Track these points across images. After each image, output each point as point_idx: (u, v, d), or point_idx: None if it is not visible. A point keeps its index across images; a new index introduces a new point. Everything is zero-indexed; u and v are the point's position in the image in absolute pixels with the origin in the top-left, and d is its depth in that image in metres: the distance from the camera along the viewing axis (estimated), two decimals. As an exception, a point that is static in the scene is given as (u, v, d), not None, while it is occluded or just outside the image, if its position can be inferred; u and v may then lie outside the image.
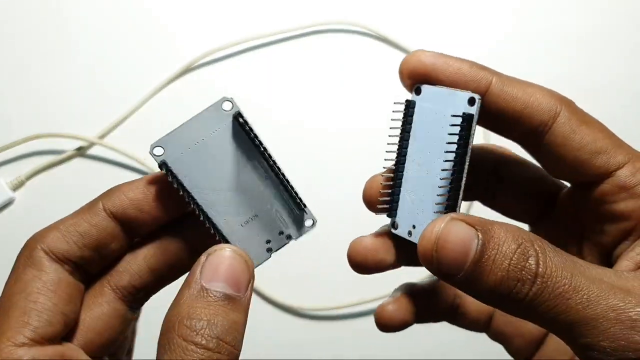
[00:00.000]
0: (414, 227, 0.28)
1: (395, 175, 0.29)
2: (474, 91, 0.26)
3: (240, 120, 0.26)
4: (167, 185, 0.27)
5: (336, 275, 0.54)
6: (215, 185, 0.27)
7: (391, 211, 0.29)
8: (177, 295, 0.25)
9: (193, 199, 0.27)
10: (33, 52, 0.56)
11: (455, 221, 0.24)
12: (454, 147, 0.26)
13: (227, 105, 0.26)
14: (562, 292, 0.22)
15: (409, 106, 0.28)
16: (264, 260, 0.28)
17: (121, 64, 0.56)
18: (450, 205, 0.26)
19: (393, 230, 0.29)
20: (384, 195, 0.29)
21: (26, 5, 0.56)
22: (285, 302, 0.54)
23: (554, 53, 0.57)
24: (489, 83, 0.27)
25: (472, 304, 0.34)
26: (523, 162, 0.31)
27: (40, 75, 0.56)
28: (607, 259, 0.28)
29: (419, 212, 0.28)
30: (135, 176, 0.55)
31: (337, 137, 0.56)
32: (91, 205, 0.27)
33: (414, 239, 0.28)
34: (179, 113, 0.55)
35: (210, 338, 0.23)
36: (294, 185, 0.28)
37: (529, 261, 0.23)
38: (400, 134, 0.28)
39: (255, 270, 0.27)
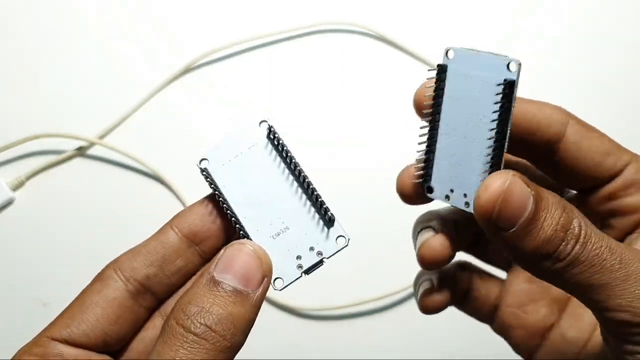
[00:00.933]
0: (451, 190, 0.29)
1: (429, 142, 0.29)
2: None
3: (272, 135, 0.28)
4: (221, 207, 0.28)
5: (336, 275, 0.54)
6: (251, 197, 0.28)
7: (425, 177, 0.30)
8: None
9: (229, 206, 0.28)
10: (33, 51, 0.56)
11: (517, 178, 0.25)
12: (496, 114, 0.26)
13: (262, 123, 0.29)
14: (599, 254, 0.25)
15: (441, 71, 0.28)
16: (295, 279, 0.29)
17: (121, 64, 0.56)
18: (494, 165, 0.27)
19: (428, 195, 0.30)
20: (419, 162, 0.30)
21: (26, 5, 0.56)
22: (285, 302, 0.54)
23: (554, 53, 0.57)
24: None
25: (481, 290, 0.35)
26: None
27: (40, 75, 0.56)
28: None
29: (458, 176, 0.29)
30: (135, 176, 0.55)
31: (336, 136, 0.56)
32: (161, 228, 0.29)
33: (454, 202, 0.29)
34: (179, 113, 0.56)
35: (198, 324, 0.23)
36: (324, 201, 0.28)
37: (574, 224, 0.25)
38: (433, 99, 0.28)
39: (287, 288, 0.28)
